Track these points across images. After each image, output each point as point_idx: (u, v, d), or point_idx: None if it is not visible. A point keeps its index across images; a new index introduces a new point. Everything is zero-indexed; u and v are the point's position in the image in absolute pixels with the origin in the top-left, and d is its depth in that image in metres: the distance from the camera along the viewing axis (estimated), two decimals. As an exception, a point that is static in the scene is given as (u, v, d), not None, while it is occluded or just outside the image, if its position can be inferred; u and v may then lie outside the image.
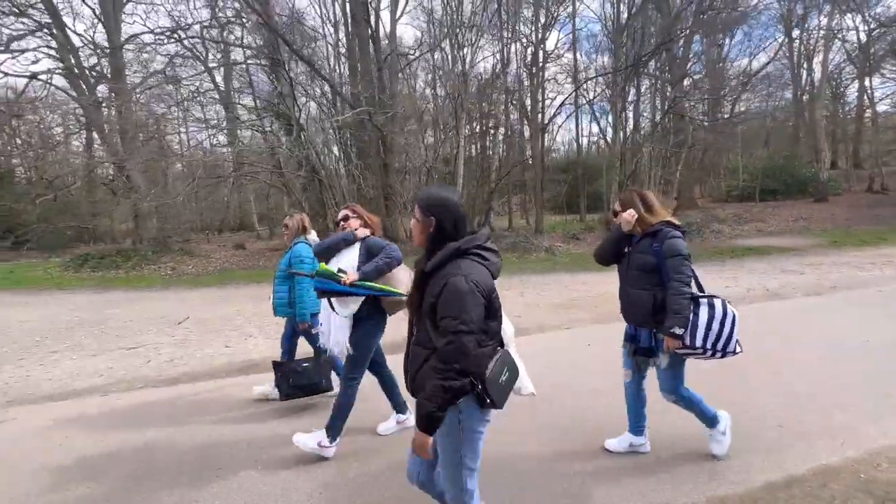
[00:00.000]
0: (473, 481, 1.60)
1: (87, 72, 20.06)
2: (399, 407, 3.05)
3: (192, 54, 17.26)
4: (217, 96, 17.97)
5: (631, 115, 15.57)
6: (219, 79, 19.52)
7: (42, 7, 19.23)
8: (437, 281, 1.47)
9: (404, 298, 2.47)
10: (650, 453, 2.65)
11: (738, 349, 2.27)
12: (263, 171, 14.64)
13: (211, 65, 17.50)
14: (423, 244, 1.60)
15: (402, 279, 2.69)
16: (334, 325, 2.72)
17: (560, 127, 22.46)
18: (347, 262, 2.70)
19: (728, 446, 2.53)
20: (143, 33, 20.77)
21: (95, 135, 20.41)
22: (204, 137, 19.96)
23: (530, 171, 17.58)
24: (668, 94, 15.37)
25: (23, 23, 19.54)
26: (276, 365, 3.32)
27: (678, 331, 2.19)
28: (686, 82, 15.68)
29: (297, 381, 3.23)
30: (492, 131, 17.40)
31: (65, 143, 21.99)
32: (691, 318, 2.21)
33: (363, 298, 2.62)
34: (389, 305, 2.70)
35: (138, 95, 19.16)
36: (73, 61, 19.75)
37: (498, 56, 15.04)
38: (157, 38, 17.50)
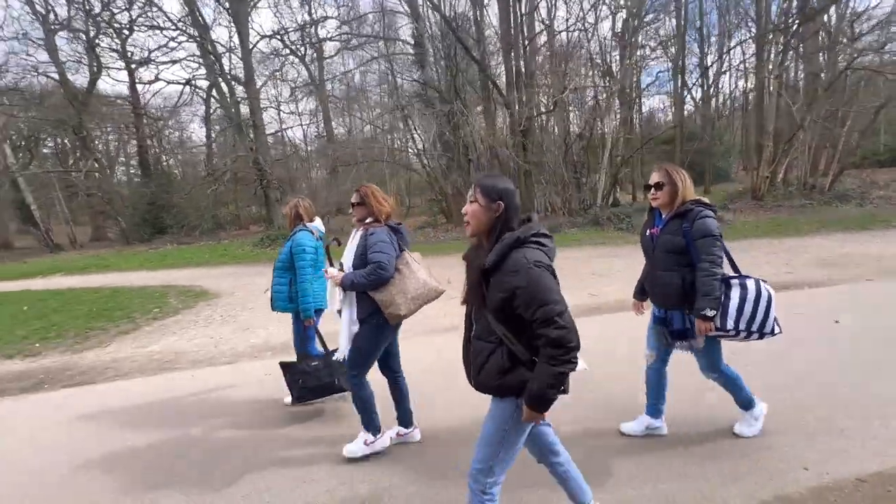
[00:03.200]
0: (503, 468, 1.56)
1: (227, 75, 22.51)
2: (404, 421, 2.66)
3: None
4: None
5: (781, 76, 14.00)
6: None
7: (190, 21, 21.99)
8: (503, 275, 1.41)
9: (402, 314, 2.32)
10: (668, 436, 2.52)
11: (776, 329, 2.16)
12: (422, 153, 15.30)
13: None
14: (479, 233, 1.52)
15: (407, 289, 2.33)
16: (342, 326, 2.44)
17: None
18: (349, 254, 2.43)
19: (757, 431, 2.43)
20: (280, 32, 23.17)
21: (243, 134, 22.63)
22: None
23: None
24: (837, 48, 13.55)
25: (173, 36, 22.54)
26: (283, 366, 3.01)
27: (709, 313, 2.10)
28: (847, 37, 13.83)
29: (307, 382, 2.95)
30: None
31: (216, 141, 24.95)
32: (722, 299, 2.11)
33: (351, 293, 2.37)
34: (390, 317, 2.34)
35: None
36: (217, 67, 22.39)
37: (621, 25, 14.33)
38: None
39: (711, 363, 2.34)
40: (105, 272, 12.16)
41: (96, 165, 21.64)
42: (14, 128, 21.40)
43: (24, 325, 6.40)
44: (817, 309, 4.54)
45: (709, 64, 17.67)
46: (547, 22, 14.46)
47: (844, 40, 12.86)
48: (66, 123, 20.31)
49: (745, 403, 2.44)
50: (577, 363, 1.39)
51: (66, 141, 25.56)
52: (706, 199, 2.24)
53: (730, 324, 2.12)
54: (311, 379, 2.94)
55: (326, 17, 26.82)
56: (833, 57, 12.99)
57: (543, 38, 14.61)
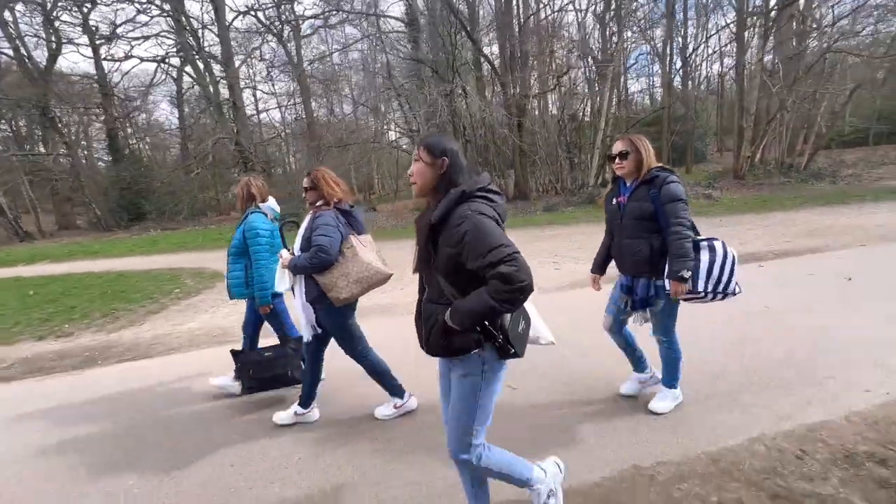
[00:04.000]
0: (481, 436, 1.57)
1: (204, 53, 21.49)
2: (395, 391, 2.65)
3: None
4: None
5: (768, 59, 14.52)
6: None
7: (162, -6, 20.72)
8: (450, 230, 1.39)
9: (343, 297, 2.31)
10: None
11: (737, 290, 2.23)
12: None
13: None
14: (425, 192, 1.52)
15: (349, 272, 2.34)
16: (297, 307, 2.45)
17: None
18: (299, 237, 2.44)
19: (670, 408, 2.47)
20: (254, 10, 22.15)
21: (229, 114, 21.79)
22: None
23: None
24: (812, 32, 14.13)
25: (142, 9, 21.20)
26: (234, 354, 2.89)
27: (686, 274, 2.14)
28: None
29: (258, 372, 2.83)
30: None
31: (191, 123, 23.89)
32: (693, 262, 2.15)
33: (302, 277, 2.39)
34: (334, 300, 2.34)
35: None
36: (192, 44, 21.30)
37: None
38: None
39: (667, 326, 2.37)
40: (93, 258, 11.72)
41: (65, 149, 20.39)
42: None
43: (39, 309, 6.21)
44: (825, 271, 5.00)
45: (691, 48, 18.15)
46: (544, 2, 14.50)
47: (820, 25, 13.55)
48: (31, 102, 18.93)
49: (673, 380, 2.47)
50: (518, 307, 1.37)
51: (21, 122, 23.95)
52: (668, 167, 2.30)
53: (700, 285, 2.17)
54: (262, 369, 2.84)
55: (304, -8, 25.68)
56: (805, 40, 13.70)
57: (540, 17, 14.65)
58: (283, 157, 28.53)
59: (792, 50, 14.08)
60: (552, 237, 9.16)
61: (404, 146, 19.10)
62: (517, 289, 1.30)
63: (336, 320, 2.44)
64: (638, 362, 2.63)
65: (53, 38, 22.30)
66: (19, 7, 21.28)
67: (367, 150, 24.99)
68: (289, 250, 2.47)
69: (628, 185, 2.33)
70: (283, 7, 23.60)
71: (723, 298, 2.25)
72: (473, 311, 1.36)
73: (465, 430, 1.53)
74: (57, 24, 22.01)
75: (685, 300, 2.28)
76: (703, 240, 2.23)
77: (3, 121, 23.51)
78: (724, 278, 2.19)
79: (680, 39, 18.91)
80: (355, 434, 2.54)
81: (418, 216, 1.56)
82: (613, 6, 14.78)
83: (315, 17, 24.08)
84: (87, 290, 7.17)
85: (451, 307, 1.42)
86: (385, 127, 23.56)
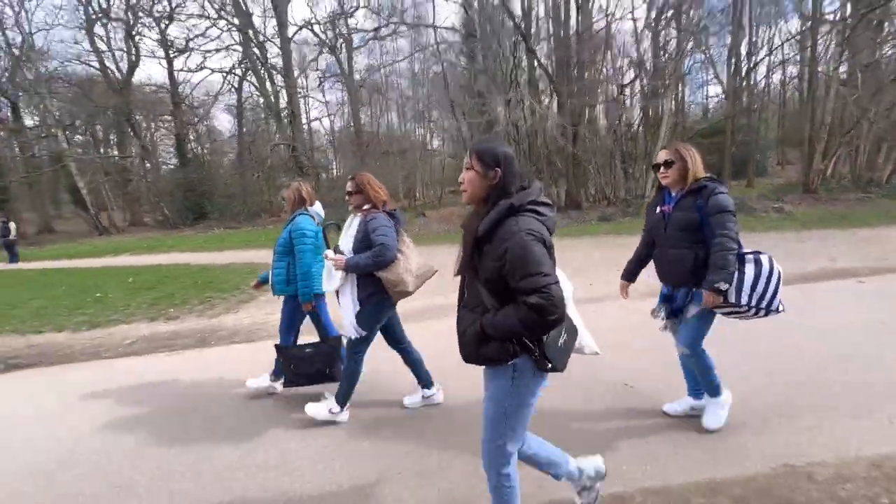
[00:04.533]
0: (514, 445, 1.53)
1: (267, 65, 22.84)
2: (425, 382, 2.83)
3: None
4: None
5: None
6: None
7: (232, 10, 22.33)
8: (496, 244, 1.36)
9: (410, 291, 2.45)
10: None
11: (780, 307, 2.16)
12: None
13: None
14: (475, 200, 1.47)
15: (411, 268, 2.49)
16: (343, 306, 2.53)
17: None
18: (348, 240, 2.53)
19: (723, 422, 2.36)
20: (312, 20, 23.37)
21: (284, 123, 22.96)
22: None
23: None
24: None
25: (217, 25, 22.90)
26: (278, 349, 2.98)
27: (723, 286, 2.08)
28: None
29: (300, 368, 2.90)
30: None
31: (255, 133, 25.37)
32: (737, 274, 2.10)
33: (352, 275, 2.47)
34: (396, 295, 2.48)
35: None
36: (256, 55, 22.74)
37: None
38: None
39: (694, 339, 2.29)
40: (169, 251, 12.62)
41: (142, 153, 22.15)
42: (66, 114, 21.95)
43: (141, 294, 6.79)
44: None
45: (758, 56, 17.46)
46: (607, 11, 14.46)
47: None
48: (119, 111, 20.75)
49: (714, 390, 2.37)
50: (545, 337, 1.36)
51: (97, 128, 26.17)
52: (716, 177, 2.25)
53: (744, 299, 2.11)
54: (304, 365, 2.90)
55: (357, 7, 26.72)
56: (883, 48, 12.87)
57: (598, 27, 14.61)
58: (329, 164, 29.72)
59: (868, 57, 13.29)
60: (616, 246, 9.04)
61: (449, 156, 19.36)
62: (546, 322, 1.30)
63: (376, 318, 2.54)
64: (694, 389, 2.50)
65: (133, 52, 24.49)
66: (100, 25, 23.52)
67: (414, 158, 25.64)
68: (335, 250, 2.53)
69: (673, 194, 2.28)
70: (337, 21, 24.80)
71: (765, 315, 2.18)
72: (503, 328, 1.37)
73: (497, 434, 1.50)
74: (137, 38, 24.19)
75: (725, 314, 2.23)
76: (749, 253, 2.17)
77: (84, 127, 25.92)
78: (769, 294, 2.13)
79: (742, 48, 18.30)
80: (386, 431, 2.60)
81: (466, 219, 1.54)
82: (670, 14, 14.54)
83: (370, 31, 25.04)
84: (177, 280, 7.76)
85: (485, 318, 1.41)
86: (431, 135, 24.07)
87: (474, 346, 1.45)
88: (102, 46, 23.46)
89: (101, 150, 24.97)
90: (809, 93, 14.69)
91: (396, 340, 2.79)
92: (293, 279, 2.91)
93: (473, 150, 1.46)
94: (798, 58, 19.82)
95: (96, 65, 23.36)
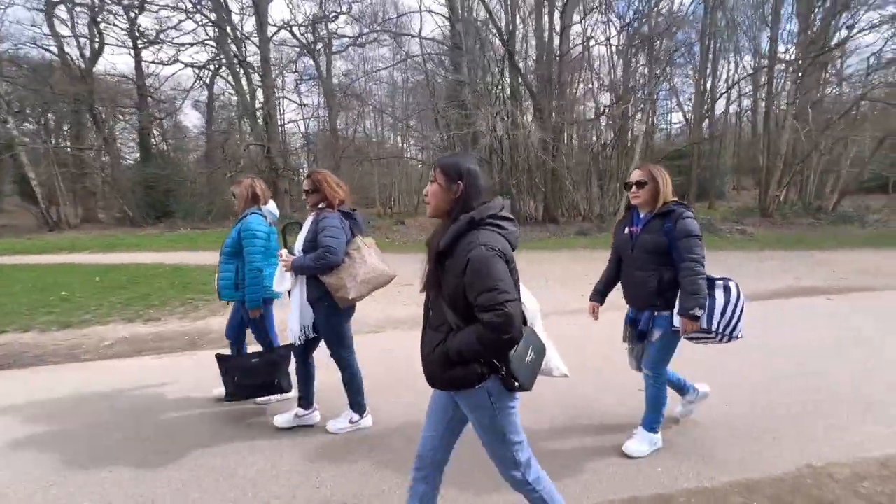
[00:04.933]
0: (524, 453, 1.51)
1: (245, 63, 22.22)
2: (357, 407, 2.63)
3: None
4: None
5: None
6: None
7: (210, 4, 21.64)
8: (456, 259, 1.34)
9: (350, 298, 2.33)
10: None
11: (740, 334, 2.17)
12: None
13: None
14: (439, 214, 1.47)
15: (357, 273, 2.35)
16: (291, 308, 2.44)
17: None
18: (300, 238, 2.44)
19: (643, 455, 2.30)
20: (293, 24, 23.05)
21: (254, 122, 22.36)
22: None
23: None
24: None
25: (193, 18, 22.08)
26: (220, 359, 2.73)
27: (698, 312, 2.06)
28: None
29: (244, 379, 2.68)
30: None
31: (229, 131, 24.50)
32: (707, 300, 2.09)
33: (301, 276, 2.39)
34: (339, 300, 2.35)
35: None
36: (233, 53, 22.07)
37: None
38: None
39: (659, 361, 2.28)
40: (132, 251, 11.90)
41: (104, 145, 20.89)
42: (16, 100, 20.38)
43: (112, 294, 6.34)
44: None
45: (719, 89, 18.74)
46: (586, 35, 15.15)
47: (840, 75, 14.17)
48: (80, 99, 19.51)
49: (652, 424, 2.34)
50: (506, 355, 1.33)
51: (49, 116, 24.49)
52: (684, 201, 2.25)
53: (714, 325, 2.11)
54: (247, 377, 2.68)
55: (339, 14, 26.60)
56: (828, 88, 14.33)
57: (577, 51, 15.25)
58: (303, 167, 29.14)
59: (816, 96, 14.62)
60: (594, 259, 9.35)
61: (427, 165, 19.47)
62: (501, 341, 1.28)
63: (334, 323, 2.44)
64: (682, 389, 2.57)
65: (97, 39, 23.17)
66: (63, 8, 22.19)
67: (391, 166, 25.59)
68: (290, 251, 2.42)
69: (642, 215, 2.28)
70: (317, 25, 24.59)
71: (728, 341, 2.19)
72: (461, 352, 1.34)
73: (504, 455, 1.49)
74: (102, 25, 22.93)
75: (691, 339, 2.23)
76: (719, 279, 2.18)
77: (37, 115, 24.17)
78: (734, 320, 2.13)
79: (703, 80, 19.66)
80: (358, 444, 2.48)
81: (430, 235, 1.50)
82: (639, 42, 15.42)
83: (351, 37, 24.95)
84: (151, 280, 7.31)
85: (446, 344, 1.38)
86: (409, 144, 24.13)
87: (440, 368, 1.41)
88: (64, 31, 22.18)
89: (55, 141, 23.36)
90: (765, 125, 15.95)
91: (308, 349, 2.57)
92: (242, 283, 2.70)
93: (438, 164, 1.47)
94: (752, 93, 21.65)
95: (55, 50, 21.99)
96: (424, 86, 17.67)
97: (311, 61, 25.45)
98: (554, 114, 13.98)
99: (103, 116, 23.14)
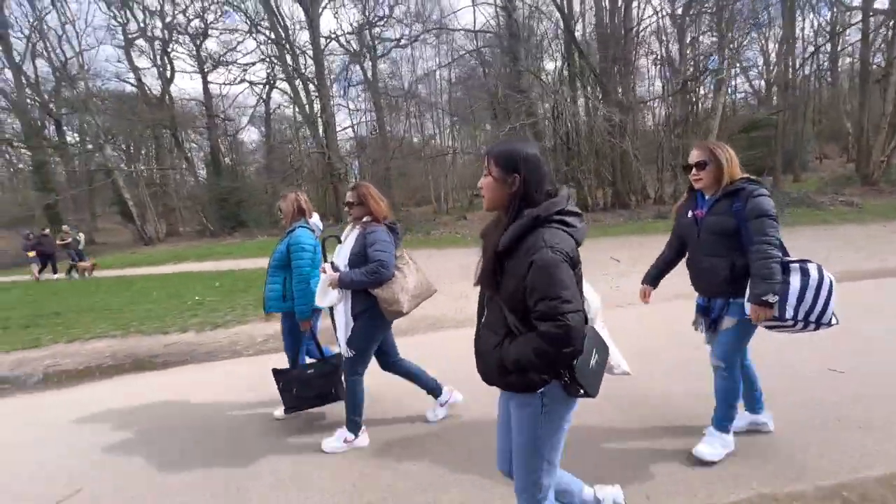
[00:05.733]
0: (550, 478, 1.39)
1: (304, 75, 23.30)
2: (434, 391, 2.70)
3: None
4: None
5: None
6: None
7: (267, 23, 22.92)
8: (518, 260, 1.22)
9: (405, 312, 2.32)
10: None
11: (833, 320, 1.94)
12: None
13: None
14: (496, 207, 1.33)
15: (408, 287, 2.36)
16: (337, 323, 2.43)
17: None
18: (345, 252, 2.41)
19: (716, 459, 2.10)
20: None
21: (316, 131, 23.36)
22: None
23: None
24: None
25: (254, 37, 23.53)
26: (276, 373, 2.76)
27: (771, 298, 1.86)
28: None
29: (302, 391, 2.72)
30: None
31: (291, 140, 25.86)
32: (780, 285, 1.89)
33: (349, 291, 2.36)
34: (390, 314, 2.34)
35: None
36: (291, 66, 23.23)
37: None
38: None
39: (732, 351, 2.08)
40: (225, 258, 12.85)
41: (185, 165, 22.73)
42: (108, 130, 22.65)
43: (238, 297, 6.91)
44: None
45: (805, 51, 17.19)
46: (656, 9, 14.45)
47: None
48: (162, 125, 21.35)
49: (724, 421, 2.16)
50: (564, 370, 1.23)
51: (129, 142, 26.94)
52: (755, 178, 2.02)
53: (789, 312, 1.90)
54: (304, 388, 2.73)
55: (384, 17, 27.03)
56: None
57: (644, 26, 14.58)
58: (354, 172, 30.12)
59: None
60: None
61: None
62: (560, 355, 1.18)
63: (370, 335, 2.41)
64: (750, 402, 2.32)
65: (169, 68, 25.24)
66: (142, 42, 24.31)
67: (444, 163, 25.80)
68: (332, 264, 2.41)
69: (707, 196, 2.09)
70: (363, 32, 25.24)
71: (815, 329, 1.96)
72: (519, 362, 1.24)
73: (529, 468, 1.37)
74: (172, 55, 24.92)
75: (769, 328, 2.01)
76: (794, 261, 1.95)
77: (125, 142, 26.70)
78: (818, 307, 1.90)
79: (784, 42, 18.05)
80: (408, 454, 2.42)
81: (486, 227, 1.39)
82: (713, 9, 14.44)
83: (394, 40, 25.37)
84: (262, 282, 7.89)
85: (502, 351, 1.29)
86: (460, 140, 24.20)
87: (497, 374, 1.34)
88: (141, 64, 24.34)
89: (141, 165, 25.75)
90: (862, 85, 14.44)
91: (389, 362, 2.65)
92: (290, 295, 2.73)
93: (491, 154, 1.32)
94: (832, 51, 19.61)
95: (133, 81, 24.24)
96: (477, 80, 17.58)
97: (358, 67, 26.35)
98: (621, 93, 13.45)
99: (181, 138, 25.28)
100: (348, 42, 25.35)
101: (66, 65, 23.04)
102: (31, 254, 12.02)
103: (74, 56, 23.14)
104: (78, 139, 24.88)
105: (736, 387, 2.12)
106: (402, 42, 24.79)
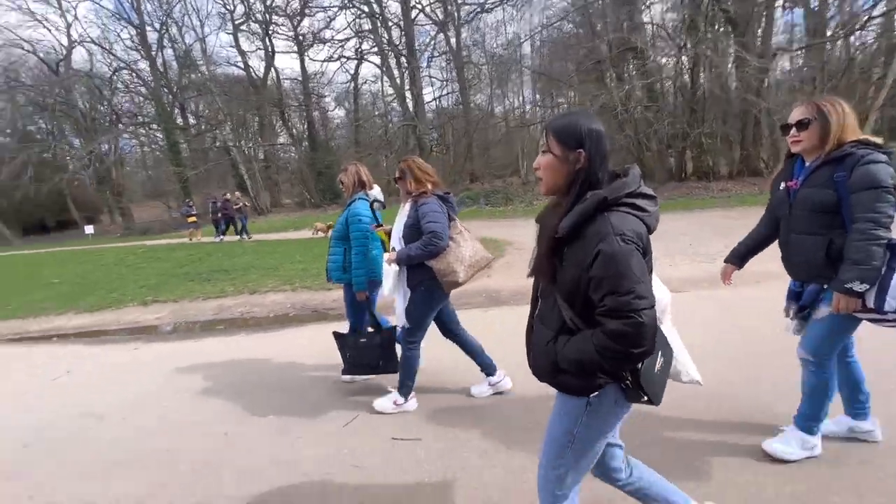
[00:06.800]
0: (577, 475, 1.26)
1: (397, 48, 23.65)
2: (487, 369, 2.72)
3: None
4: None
5: None
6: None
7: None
8: (581, 246, 1.06)
9: (461, 282, 2.33)
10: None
11: None
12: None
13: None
14: (556, 191, 1.17)
15: (463, 257, 2.34)
16: (397, 299, 2.48)
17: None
18: (399, 226, 2.46)
19: (793, 458, 1.84)
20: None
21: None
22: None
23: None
24: None
25: (348, 12, 24.29)
26: (336, 336, 2.88)
27: (858, 287, 1.56)
28: None
29: (356, 358, 2.84)
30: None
31: (384, 114, 26.70)
32: (884, 271, 1.56)
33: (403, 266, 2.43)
34: (447, 285, 2.35)
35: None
36: (384, 39, 23.69)
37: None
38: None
39: (824, 344, 1.76)
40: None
41: (291, 141, 24.54)
42: (223, 111, 25.06)
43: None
44: None
45: None
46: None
47: None
48: (271, 104, 23.11)
49: (809, 422, 1.85)
50: (628, 372, 1.11)
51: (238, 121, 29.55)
52: (876, 140, 1.61)
53: (890, 304, 1.57)
54: (356, 356, 2.84)
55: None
56: None
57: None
58: (439, 142, 30.27)
59: None
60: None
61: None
62: (629, 355, 1.04)
63: (427, 307, 2.46)
64: (852, 405, 1.98)
65: (270, 49, 26.98)
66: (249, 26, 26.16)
67: (532, 133, 24.91)
68: (380, 224, 2.61)
69: (807, 163, 1.74)
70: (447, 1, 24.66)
71: None
72: (580, 362, 1.11)
73: (555, 460, 1.25)
74: (273, 36, 26.56)
75: (871, 321, 1.69)
76: None
77: (237, 121, 29.40)
78: None
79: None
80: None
81: (542, 211, 1.26)
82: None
83: (476, 5, 24.46)
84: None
85: (557, 349, 1.16)
86: (552, 109, 23.09)
87: (549, 372, 1.21)
88: (245, 47, 26.33)
89: (249, 142, 28.38)
90: None
91: (452, 331, 2.72)
92: (349, 266, 2.81)
93: (550, 128, 1.17)
94: None
95: (241, 64, 26.37)
96: (572, 41, 16.43)
97: (442, 37, 26.00)
98: (760, 42, 11.75)
99: (287, 116, 27.26)
100: (433, 11, 25.07)
101: (189, 52, 25.70)
102: (191, 219, 13.88)
103: (194, 43, 25.69)
104: (196, 121, 27.98)
105: (827, 384, 1.84)
106: (487, 6, 24.00)
